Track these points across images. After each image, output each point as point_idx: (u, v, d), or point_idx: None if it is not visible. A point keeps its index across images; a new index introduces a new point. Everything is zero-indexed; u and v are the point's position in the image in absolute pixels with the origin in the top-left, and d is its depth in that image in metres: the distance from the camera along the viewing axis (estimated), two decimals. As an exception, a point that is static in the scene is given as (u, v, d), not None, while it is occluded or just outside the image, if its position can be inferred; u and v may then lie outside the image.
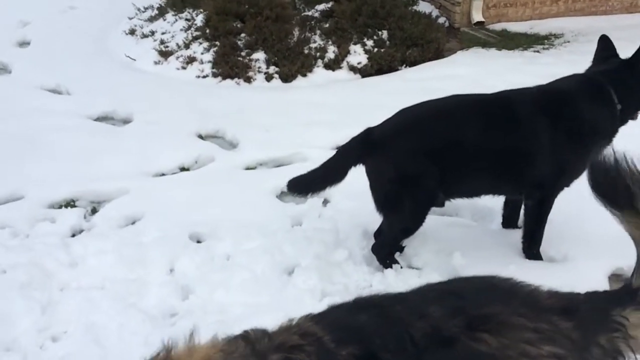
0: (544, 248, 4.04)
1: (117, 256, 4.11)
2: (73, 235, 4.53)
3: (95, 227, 4.62)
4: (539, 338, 1.97)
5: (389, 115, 3.88)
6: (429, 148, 3.66)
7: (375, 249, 4.05)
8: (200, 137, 6.32)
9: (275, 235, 4.34)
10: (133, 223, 4.70)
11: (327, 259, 4.06)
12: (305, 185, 3.95)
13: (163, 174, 5.56)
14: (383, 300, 2.05)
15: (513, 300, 2.07)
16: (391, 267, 3.97)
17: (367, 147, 3.77)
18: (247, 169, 5.65)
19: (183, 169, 5.67)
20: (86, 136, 6.26)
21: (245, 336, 1.87)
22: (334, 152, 4.01)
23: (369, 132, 3.82)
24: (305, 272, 3.88)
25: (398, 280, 3.82)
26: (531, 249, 4.03)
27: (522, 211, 4.15)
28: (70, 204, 4.99)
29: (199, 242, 4.41)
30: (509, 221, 4.43)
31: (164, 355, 1.74)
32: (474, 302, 2.04)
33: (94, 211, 4.92)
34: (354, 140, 3.85)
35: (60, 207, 4.93)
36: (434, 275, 3.76)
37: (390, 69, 8.34)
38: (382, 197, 3.82)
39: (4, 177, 5.25)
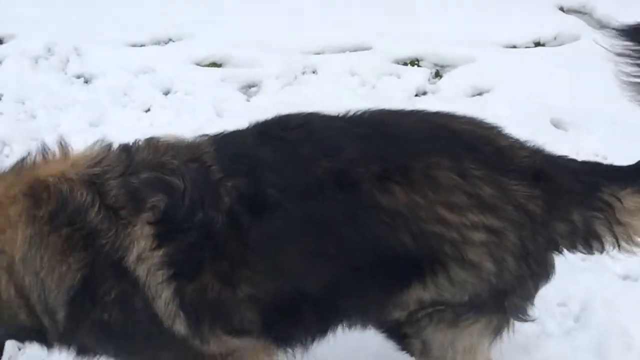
0: None
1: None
2: (416, 95, 4.25)
3: (440, 92, 4.27)
4: (469, 204, 1.69)
5: None
6: None
7: None
8: (562, 9, 5.36)
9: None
10: (480, 94, 4.22)
11: None
12: None
13: (514, 47, 4.88)
14: (297, 132, 1.80)
15: (467, 153, 1.74)
16: None
17: None
18: (621, 55, 4.60)
19: (538, 44, 4.91)
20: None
21: (127, 147, 1.79)
22: None
23: None
24: None
25: None
26: None
27: None
28: (415, 62, 4.69)
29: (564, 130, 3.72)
30: None
31: (20, 165, 1.74)
32: (404, 147, 1.75)
33: (437, 74, 4.55)
34: None
35: (405, 64, 4.66)
36: None
37: None
38: None
39: (355, 26, 5.14)
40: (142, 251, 1.62)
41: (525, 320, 1.92)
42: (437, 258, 1.71)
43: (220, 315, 1.71)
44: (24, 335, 1.81)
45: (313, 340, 1.91)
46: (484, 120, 1.92)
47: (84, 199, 1.64)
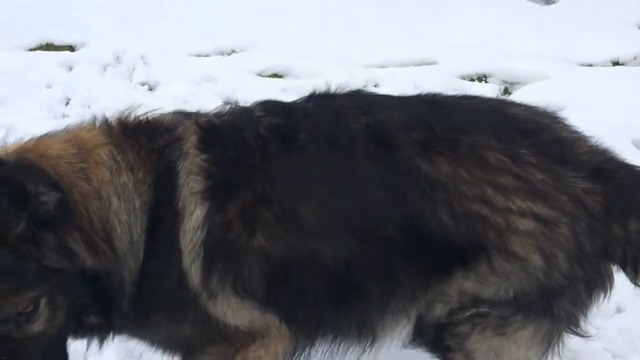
0: None
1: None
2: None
3: (509, 108, 4.06)
4: (517, 187, 1.54)
5: None
6: None
7: None
8: (643, 28, 5.07)
9: None
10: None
11: None
12: None
13: (590, 65, 4.62)
14: (343, 97, 1.80)
15: (521, 138, 1.61)
16: None
17: None
18: None
19: (616, 63, 4.64)
20: (493, 8, 5.65)
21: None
22: None
23: None
24: None
25: None
26: None
27: None
28: (482, 78, 4.52)
29: (645, 150, 3.46)
30: None
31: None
32: (453, 121, 1.65)
33: (506, 91, 4.35)
34: None
35: (472, 79, 4.49)
36: None
37: None
38: None
39: (419, 39, 5.03)
40: (189, 148, 1.66)
41: (578, 334, 1.69)
42: (480, 244, 1.55)
43: (232, 265, 1.64)
44: (90, 309, 1.62)
45: (323, 330, 1.74)
46: (547, 110, 1.79)
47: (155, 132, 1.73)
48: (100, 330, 1.68)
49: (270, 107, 1.78)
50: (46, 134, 1.70)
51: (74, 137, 1.69)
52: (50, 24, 5.08)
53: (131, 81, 4.44)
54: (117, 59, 4.70)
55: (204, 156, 1.65)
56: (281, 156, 1.64)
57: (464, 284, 1.60)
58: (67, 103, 4.09)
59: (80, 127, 1.74)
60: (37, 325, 1.52)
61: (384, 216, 1.58)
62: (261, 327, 1.71)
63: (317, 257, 1.62)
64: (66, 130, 1.74)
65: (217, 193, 1.63)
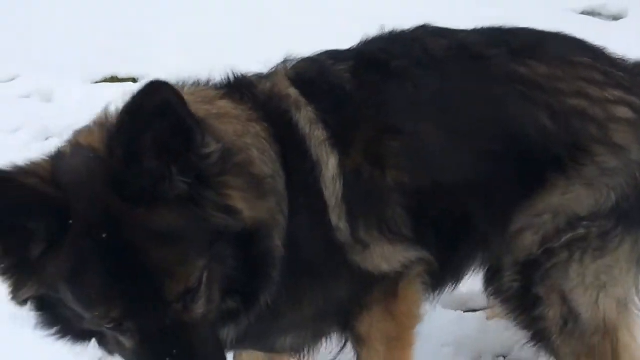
0: None
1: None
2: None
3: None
4: (607, 82, 1.56)
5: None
6: None
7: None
8: None
9: None
10: None
11: None
12: None
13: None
14: (410, 29, 1.78)
15: (587, 51, 1.67)
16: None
17: None
18: None
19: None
20: (557, 24, 5.39)
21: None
22: None
23: None
24: None
25: None
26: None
27: None
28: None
29: None
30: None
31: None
32: (524, 38, 1.69)
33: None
34: None
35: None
36: None
37: None
38: None
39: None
40: (295, 99, 1.64)
41: None
42: (581, 144, 1.51)
43: (373, 209, 1.58)
44: (236, 287, 1.46)
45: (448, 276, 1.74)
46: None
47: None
48: (232, 320, 1.51)
49: (336, 53, 1.75)
50: None
51: (194, 91, 1.66)
52: (115, 59, 5.29)
53: (186, 102, 4.51)
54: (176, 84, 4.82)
55: (312, 106, 1.62)
56: (383, 85, 1.60)
57: (561, 199, 1.52)
58: (126, 126, 4.21)
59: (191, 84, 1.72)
60: (200, 307, 1.35)
61: (491, 130, 1.56)
62: (413, 268, 1.65)
63: (441, 184, 1.58)
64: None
65: (338, 140, 1.59)
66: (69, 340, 1.48)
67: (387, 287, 1.61)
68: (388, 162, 1.57)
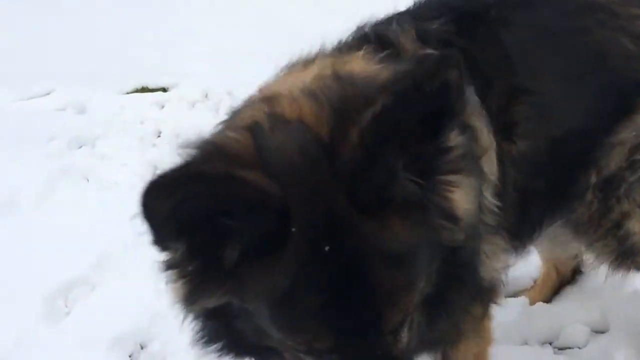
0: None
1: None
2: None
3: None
4: None
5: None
6: None
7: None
8: None
9: None
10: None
11: None
12: None
13: None
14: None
15: None
16: None
17: None
18: None
19: None
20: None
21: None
22: None
23: None
24: None
25: None
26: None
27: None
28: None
29: None
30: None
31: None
32: None
33: None
34: None
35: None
36: None
37: None
38: None
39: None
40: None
41: None
42: None
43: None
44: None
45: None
46: None
47: None
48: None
49: (411, 14, 1.60)
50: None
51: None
52: (146, 70, 5.39)
53: (218, 113, 4.55)
54: (206, 95, 4.87)
55: None
56: (495, 37, 1.48)
57: None
58: (158, 135, 4.27)
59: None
60: (405, 336, 1.11)
61: (591, 65, 1.51)
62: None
63: (565, 122, 1.49)
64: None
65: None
66: (232, 356, 1.25)
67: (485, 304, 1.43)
68: (516, 129, 1.44)
